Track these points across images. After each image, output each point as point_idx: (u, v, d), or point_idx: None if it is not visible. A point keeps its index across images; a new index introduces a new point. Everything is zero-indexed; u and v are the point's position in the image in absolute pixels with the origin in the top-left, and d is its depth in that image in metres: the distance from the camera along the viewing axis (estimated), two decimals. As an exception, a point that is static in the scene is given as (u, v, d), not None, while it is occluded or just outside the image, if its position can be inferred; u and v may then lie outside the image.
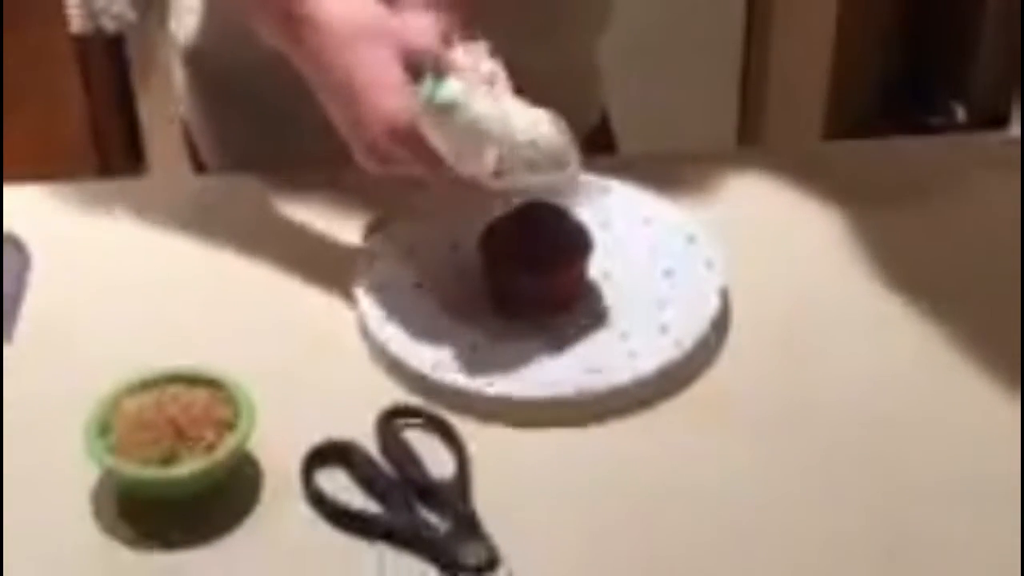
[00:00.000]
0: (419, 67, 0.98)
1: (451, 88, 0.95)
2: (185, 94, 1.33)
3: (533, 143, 0.98)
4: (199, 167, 1.36)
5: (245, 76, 1.23)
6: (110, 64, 2.38)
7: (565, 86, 1.29)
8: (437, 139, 0.97)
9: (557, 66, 1.27)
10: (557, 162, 1.00)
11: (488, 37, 1.14)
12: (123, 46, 2.34)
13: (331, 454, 0.94)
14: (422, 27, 1.01)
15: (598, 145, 1.35)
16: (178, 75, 1.33)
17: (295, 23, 1.02)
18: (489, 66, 0.99)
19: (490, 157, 0.97)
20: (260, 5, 1.05)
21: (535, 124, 0.99)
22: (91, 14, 2.23)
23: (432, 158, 0.98)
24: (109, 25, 2.24)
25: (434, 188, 1.03)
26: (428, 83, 0.96)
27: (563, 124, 1.00)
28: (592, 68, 1.37)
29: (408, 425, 0.97)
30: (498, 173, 0.97)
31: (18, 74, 2.26)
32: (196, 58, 1.28)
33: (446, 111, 0.95)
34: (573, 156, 1.01)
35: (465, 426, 0.97)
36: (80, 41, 2.26)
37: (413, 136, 0.97)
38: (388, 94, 0.98)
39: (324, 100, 1.03)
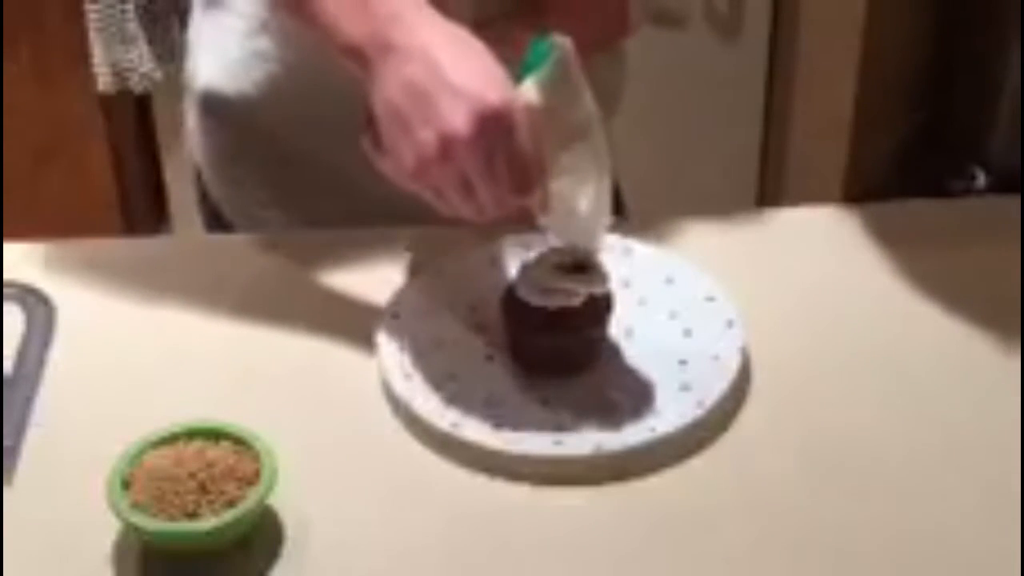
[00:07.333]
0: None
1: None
2: (198, 140, 1.32)
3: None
4: (209, 214, 1.36)
5: (261, 123, 1.24)
6: (136, 120, 2.40)
7: None
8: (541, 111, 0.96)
9: None
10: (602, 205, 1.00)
11: None
12: (149, 102, 2.37)
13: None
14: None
15: None
16: (192, 120, 1.32)
17: (393, 23, 0.98)
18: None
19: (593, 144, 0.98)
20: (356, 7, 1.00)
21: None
22: (117, 73, 2.25)
23: (485, 172, 0.94)
24: (136, 84, 2.26)
25: (460, 215, 0.99)
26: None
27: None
28: None
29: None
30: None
31: (47, 131, 2.29)
32: (211, 102, 1.27)
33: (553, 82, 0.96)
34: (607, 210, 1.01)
35: (483, 483, 0.97)
36: (106, 99, 2.28)
37: (504, 121, 0.94)
38: (494, 80, 0.95)
39: (388, 101, 0.97)
